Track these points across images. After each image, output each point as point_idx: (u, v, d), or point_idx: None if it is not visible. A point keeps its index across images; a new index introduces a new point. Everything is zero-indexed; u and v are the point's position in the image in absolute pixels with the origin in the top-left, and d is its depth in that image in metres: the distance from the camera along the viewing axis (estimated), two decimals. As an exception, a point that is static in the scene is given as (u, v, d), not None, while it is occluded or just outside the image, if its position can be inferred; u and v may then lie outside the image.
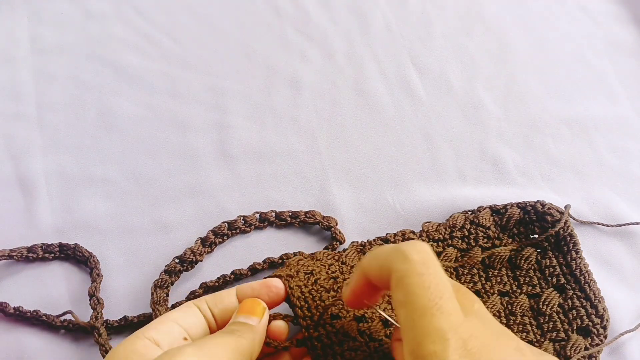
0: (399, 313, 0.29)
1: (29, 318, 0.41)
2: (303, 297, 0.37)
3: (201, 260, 0.44)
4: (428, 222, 0.45)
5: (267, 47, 0.57)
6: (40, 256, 0.44)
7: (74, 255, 0.44)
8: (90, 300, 0.41)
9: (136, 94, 0.53)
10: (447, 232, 0.44)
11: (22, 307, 0.41)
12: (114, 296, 0.43)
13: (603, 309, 0.41)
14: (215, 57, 0.56)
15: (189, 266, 0.43)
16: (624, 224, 0.47)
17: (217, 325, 0.35)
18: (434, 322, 0.28)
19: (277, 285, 0.37)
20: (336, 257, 0.42)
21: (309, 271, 0.39)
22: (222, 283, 0.43)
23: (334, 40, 0.58)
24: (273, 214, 0.46)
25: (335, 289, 0.39)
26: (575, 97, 0.55)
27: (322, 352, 0.36)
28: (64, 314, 0.41)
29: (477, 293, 0.42)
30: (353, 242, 0.44)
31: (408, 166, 0.50)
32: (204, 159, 0.50)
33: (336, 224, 0.46)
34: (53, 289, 0.43)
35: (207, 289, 0.43)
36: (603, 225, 0.47)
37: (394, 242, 0.44)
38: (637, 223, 0.47)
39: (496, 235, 0.44)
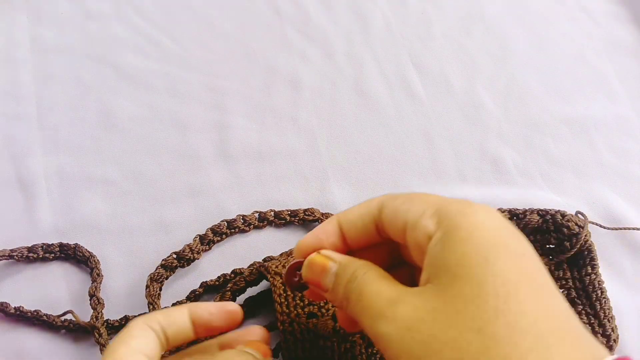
0: (402, 210, 0.27)
1: (29, 318, 0.41)
2: (284, 294, 0.38)
3: (199, 258, 0.44)
4: None
5: (267, 47, 0.57)
6: (40, 256, 0.44)
7: (74, 255, 0.44)
8: (90, 300, 0.41)
9: (136, 94, 0.53)
10: None
11: (22, 307, 0.41)
12: (114, 296, 0.43)
13: (612, 328, 0.40)
14: (215, 57, 0.56)
15: (185, 263, 0.43)
16: (626, 228, 0.47)
17: (168, 345, 0.31)
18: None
19: (234, 310, 0.33)
20: None
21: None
22: (223, 282, 0.43)
23: (334, 40, 0.58)
24: (272, 213, 0.46)
25: None
26: (575, 97, 0.55)
27: (292, 346, 0.37)
28: (64, 314, 0.41)
29: None
30: None
31: (408, 166, 0.50)
32: (204, 159, 0.50)
33: None
34: (53, 289, 0.43)
35: (208, 288, 0.43)
36: (602, 227, 0.46)
37: None
38: (637, 229, 0.47)
39: None
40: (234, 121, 0.52)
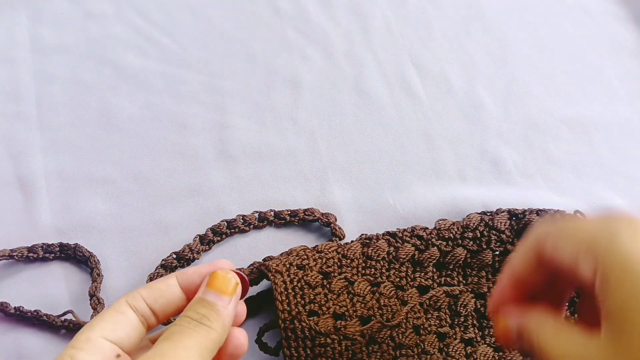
0: (559, 248, 0.25)
1: (29, 318, 0.41)
2: (285, 292, 0.39)
3: (199, 258, 0.44)
4: (443, 220, 0.45)
5: (267, 47, 0.57)
6: (40, 256, 0.44)
7: (74, 255, 0.44)
8: (90, 300, 0.41)
9: (136, 94, 0.53)
10: (459, 232, 0.44)
11: (22, 307, 0.41)
12: (114, 296, 0.43)
13: None
14: (215, 57, 0.56)
15: (185, 263, 0.43)
16: None
17: (158, 320, 0.30)
18: (592, 216, 0.24)
19: (225, 267, 0.32)
20: (339, 250, 0.42)
21: (302, 265, 0.40)
22: None
23: (334, 40, 0.58)
24: (272, 213, 0.47)
25: (324, 284, 0.40)
26: (576, 97, 0.55)
27: (294, 344, 0.38)
28: (64, 313, 0.41)
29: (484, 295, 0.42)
30: (362, 234, 0.44)
31: (408, 166, 0.50)
32: (204, 159, 0.50)
33: (335, 220, 0.46)
34: (53, 289, 0.43)
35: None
36: None
37: (402, 237, 0.43)
38: None
39: (510, 240, 0.43)
40: (234, 121, 0.52)
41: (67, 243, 0.44)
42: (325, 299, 0.39)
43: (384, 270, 0.42)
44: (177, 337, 0.27)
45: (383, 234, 0.44)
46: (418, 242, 0.43)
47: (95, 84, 0.54)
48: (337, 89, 0.55)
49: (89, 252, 0.44)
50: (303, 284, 0.40)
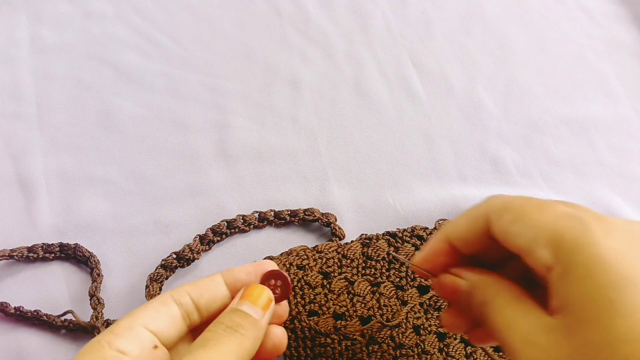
0: (513, 230, 0.25)
1: (29, 318, 0.41)
2: None
3: (199, 258, 0.44)
4: (443, 220, 0.45)
5: (267, 47, 0.57)
6: (40, 256, 0.44)
7: (74, 255, 0.44)
8: (90, 300, 0.41)
9: (136, 94, 0.53)
10: None
11: (22, 307, 0.41)
12: (114, 296, 0.43)
13: None
14: (215, 57, 0.56)
15: (185, 263, 0.43)
16: None
17: (202, 318, 0.31)
18: (560, 207, 0.24)
19: (270, 267, 0.32)
20: (339, 250, 0.42)
21: (302, 265, 0.40)
22: None
23: (334, 40, 0.58)
24: (272, 213, 0.46)
25: (324, 284, 0.40)
26: (575, 97, 0.55)
27: (294, 344, 0.38)
28: (64, 313, 0.41)
29: None
30: (362, 234, 0.44)
31: (408, 166, 0.50)
32: (204, 159, 0.50)
33: (335, 220, 0.46)
34: (53, 289, 0.43)
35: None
36: None
37: (402, 237, 0.44)
38: None
39: None
40: (234, 121, 0.52)
41: (67, 243, 0.44)
42: (325, 299, 0.40)
43: (384, 270, 0.42)
44: (211, 345, 0.27)
45: (383, 234, 0.44)
46: (418, 242, 0.43)
47: (95, 84, 0.54)
48: (337, 89, 0.55)
49: (89, 252, 0.44)
50: (303, 284, 0.40)
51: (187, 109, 0.53)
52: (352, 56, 0.57)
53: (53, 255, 0.44)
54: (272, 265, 0.32)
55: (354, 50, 0.57)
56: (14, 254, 0.43)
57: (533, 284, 0.27)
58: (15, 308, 0.41)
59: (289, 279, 0.32)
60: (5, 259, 0.43)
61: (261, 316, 0.29)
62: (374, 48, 0.58)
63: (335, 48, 0.57)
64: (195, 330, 0.31)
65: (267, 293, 0.30)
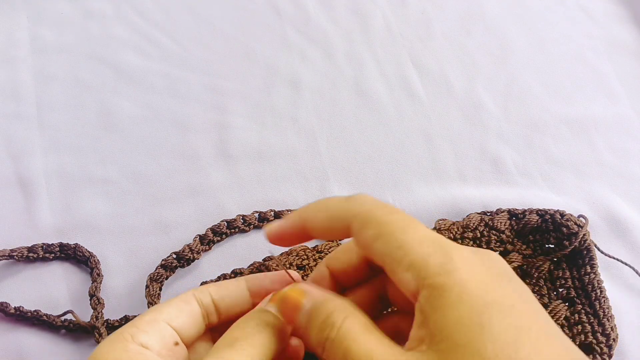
0: (375, 247, 0.25)
1: (29, 318, 0.41)
2: None
3: (199, 258, 0.44)
4: (443, 220, 0.45)
5: (267, 47, 0.57)
6: (40, 256, 0.44)
7: (74, 255, 0.44)
8: (90, 300, 0.41)
9: (136, 94, 0.53)
10: (459, 232, 0.43)
11: (22, 307, 0.41)
12: (114, 296, 0.43)
13: (611, 328, 0.40)
14: (215, 57, 0.56)
15: (185, 263, 0.43)
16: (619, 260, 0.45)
17: (220, 319, 0.31)
18: (421, 230, 0.25)
19: (296, 277, 0.32)
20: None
21: (302, 265, 0.40)
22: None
23: (334, 40, 0.58)
24: (272, 213, 0.47)
25: None
26: (575, 97, 0.55)
27: None
28: (64, 313, 0.41)
29: None
30: None
31: (408, 166, 0.50)
32: (204, 159, 0.50)
33: None
34: (53, 289, 0.43)
35: (207, 288, 0.43)
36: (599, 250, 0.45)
37: None
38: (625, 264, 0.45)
39: (510, 240, 0.43)
40: (234, 121, 0.52)
41: (67, 243, 0.44)
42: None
43: None
44: (240, 345, 0.26)
45: None
46: None
47: (95, 84, 0.54)
48: (337, 89, 0.55)
49: (89, 252, 0.44)
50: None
51: (187, 109, 0.53)
52: (352, 56, 0.57)
53: (53, 255, 0.44)
54: (298, 278, 0.32)
55: (354, 50, 0.57)
56: (14, 253, 0.43)
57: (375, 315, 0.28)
58: (15, 308, 0.41)
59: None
60: (5, 259, 0.43)
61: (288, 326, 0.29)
62: (374, 48, 0.58)
63: (335, 48, 0.57)
64: (212, 331, 0.31)
65: (297, 299, 0.29)
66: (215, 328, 0.31)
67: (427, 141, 0.52)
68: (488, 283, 0.24)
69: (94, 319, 0.40)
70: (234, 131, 0.51)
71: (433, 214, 0.47)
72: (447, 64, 0.57)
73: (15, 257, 0.43)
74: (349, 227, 0.27)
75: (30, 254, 0.43)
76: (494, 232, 0.43)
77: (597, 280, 0.42)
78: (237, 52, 0.57)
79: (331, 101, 0.54)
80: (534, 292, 0.42)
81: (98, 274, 0.43)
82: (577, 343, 0.40)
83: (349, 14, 0.60)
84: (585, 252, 0.42)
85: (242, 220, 0.46)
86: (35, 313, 0.41)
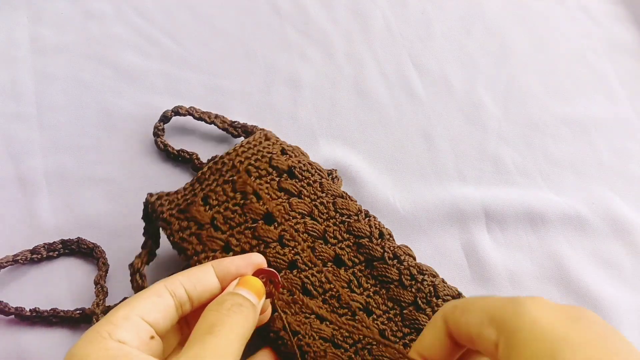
0: (463, 321, 0.27)
1: (47, 317, 0.41)
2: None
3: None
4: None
5: (267, 46, 0.57)
6: (45, 256, 0.44)
7: (78, 250, 0.44)
8: (95, 288, 0.42)
9: (136, 94, 0.53)
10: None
11: (38, 308, 0.41)
12: (115, 295, 0.43)
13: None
14: (215, 57, 0.56)
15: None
16: None
17: (192, 307, 0.31)
18: None
19: (260, 261, 0.34)
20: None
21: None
22: None
23: (334, 40, 0.58)
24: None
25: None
26: (575, 97, 0.55)
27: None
28: (76, 310, 0.41)
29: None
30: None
31: (408, 166, 0.50)
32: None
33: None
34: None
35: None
36: None
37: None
38: None
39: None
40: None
41: (69, 239, 0.44)
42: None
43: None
44: (218, 330, 0.28)
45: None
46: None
47: (95, 84, 0.54)
48: (337, 89, 0.55)
49: (92, 243, 0.44)
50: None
51: (187, 108, 0.53)
52: (352, 56, 0.57)
53: (57, 253, 0.44)
54: (262, 260, 0.34)
55: (354, 50, 0.57)
56: (18, 258, 0.43)
57: None
58: (30, 310, 0.41)
59: (279, 277, 0.34)
60: (11, 264, 0.43)
61: (257, 303, 0.31)
62: (374, 48, 0.58)
63: (335, 48, 0.57)
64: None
65: (261, 283, 0.32)
66: (189, 315, 0.32)
67: (427, 141, 0.52)
68: (562, 320, 0.25)
69: (95, 305, 0.41)
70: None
71: (433, 214, 0.47)
72: (447, 64, 0.57)
73: (19, 260, 0.43)
74: (445, 323, 0.29)
75: (34, 256, 0.43)
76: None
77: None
78: (237, 51, 0.57)
79: (331, 101, 0.54)
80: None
81: (104, 263, 0.43)
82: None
83: (349, 13, 0.60)
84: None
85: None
86: (52, 311, 0.41)
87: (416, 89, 0.55)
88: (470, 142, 0.52)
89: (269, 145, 0.43)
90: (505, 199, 0.48)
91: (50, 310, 0.41)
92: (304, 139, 0.51)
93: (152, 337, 0.29)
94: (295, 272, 0.39)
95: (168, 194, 0.41)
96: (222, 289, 0.32)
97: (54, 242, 0.44)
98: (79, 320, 0.41)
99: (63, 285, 0.44)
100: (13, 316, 0.41)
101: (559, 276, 0.45)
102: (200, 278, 0.32)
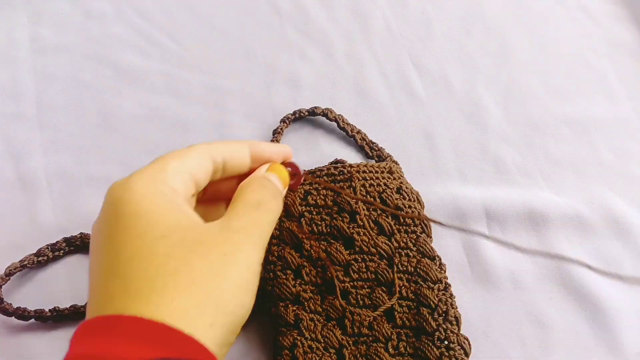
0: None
1: (68, 315, 0.41)
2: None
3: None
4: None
5: (267, 46, 0.57)
6: (51, 257, 0.44)
7: (82, 245, 0.44)
8: None
9: (136, 94, 0.53)
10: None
11: (58, 307, 0.41)
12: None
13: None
14: (215, 57, 0.56)
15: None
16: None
17: (224, 174, 0.34)
18: None
19: (289, 152, 0.37)
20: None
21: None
22: None
23: (334, 40, 0.58)
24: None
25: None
26: (576, 97, 0.55)
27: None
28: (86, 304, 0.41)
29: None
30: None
31: (408, 166, 0.50)
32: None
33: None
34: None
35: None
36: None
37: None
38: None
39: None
40: (234, 120, 0.52)
41: (72, 235, 0.44)
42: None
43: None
44: (264, 208, 0.31)
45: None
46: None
47: (95, 84, 0.54)
48: (337, 89, 0.55)
49: None
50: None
51: (187, 108, 0.53)
52: (352, 56, 0.57)
53: (62, 251, 0.44)
54: (291, 154, 0.37)
55: (354, 50, 0.57)
56: (25, 263, 0.43)
57: None
58: (50, 310, 0.41)
59: (301, 173, 0.37)
60: (19, 270, 0.43)
61: (283, 189, 0.34)
62: (374, 48, 0.58)
63: (335, 48, 0.57)
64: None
65: (287, 175, 0.36)
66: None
67: (427, 141, 0.52)
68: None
69: None
70: (234, 130, 0.51)
71: (434, 214, 0.47)
72: (447, 64, 0.57)
73: (27, 265, 0.43)
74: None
75: (40, 258, 0.43)
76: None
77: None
78: (237, 51, 0.57)
79: (331, 101, 0.54)
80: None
81: None
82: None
83: (349, 13, 0.60)
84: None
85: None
86: (72, 308, 0.41)
87: (416, 89, 0.55)
88: (471, 142, 0.52)
89: (389, 177, 0.43)
90: (505, 198, 0.48)
91: (70, 307, 0.41)
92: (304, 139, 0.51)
93: (193, 195, 0.31)
94: (344, 302, 0.39)
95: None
96: (251, 169, 0.35)
97: (57, 241, 0.44)
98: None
99: (73, 281, 0.44)
100: (33, 319, 0.41)
101: (559, 276, 0.45)
102: (236, 152, 0.33)
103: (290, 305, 0.38)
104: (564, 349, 0.42)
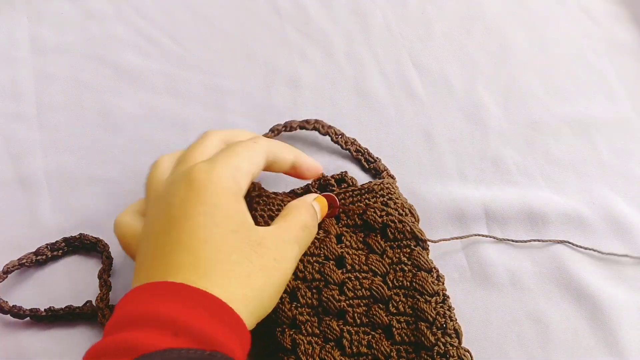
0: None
1: (63, 315, 0.41)
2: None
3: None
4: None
5: (267, 46, 0.57)
6: (49, 256, 0.44)
7: (82, 245, 0.44)
8: (99, 281, 0.42)
9: (136, 94, 0.53)
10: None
11: (53, 307, 0.41)
12: (116, 295, 0.43)
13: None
14: (215, 57, 0.56)
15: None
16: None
17: (267, 169, 0.39)
18: None
19: (321, 171, 0.43)
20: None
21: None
22: None
23: (334, 40, 0.58)
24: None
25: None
26: (576, 97, 0.55)
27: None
28: (85, 304, 0.41)
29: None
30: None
31: (408, 166, 0.50)
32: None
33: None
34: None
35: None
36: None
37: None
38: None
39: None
40: (234, 120, 0.52)
41: (72, 236, 0.44)
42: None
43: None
44: (309, 230, 0.37)
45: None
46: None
47: (95, 84, 0.54)
48: (337, 89, 0.55)
49: (95, 237, 0.44)
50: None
51: (187, 108, 0.53)
52: (352, 56, 0.57)
53: (61, 251, 0.44)
54: (321, 174, 0.43)
55: (354, 50, 0.57)
56: (24, 261, 0.43)
57: None
58: (45, 310, 0.41)
59: (338, 205, 0.41)
60: (17, 269, 0.43)
61: (320, 218, 0.39)
62: (374, 48, 0.58)
63: (335, 48, 0.57)
64: None
65: (327, 205, 0.41)
66: None
67: (427, 141, 0.52)
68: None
69: (98, 300, 0.41)
70: (234, 131, 0.51)
71: (433, 214, 0.47)
72: (447, 64, 0.57)
73: (25, 264, 0.43)
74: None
75: (39, 257, 0.43)
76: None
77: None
78: (237, 51, 0.57)
79: (331, 101, 0.54)
80: None
81: (107, 257, 0.43)
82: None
83: (349, 13, 0.60)
84: None
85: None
86: (67, 309, 0.41)
87: (416, 89, 0.55)
88: (471, 142, 0.52)
89: (372, 198, 0.43)
90: (505, 198, 0.48)
91: (65, 307, 0.41)
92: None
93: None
94: (340, 322, 0.38)
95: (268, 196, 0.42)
96: (288, 173, 0.41)
97: (57, 241, 0.44)
98: (88, 317, 0.41)
99: (67, 283, 0.43)
100: (28, 318, 0.41)
101: (560, 276, 0.45)
102: (284, 158, 0.39)
103: (287, 330, 0.37)
104: (563, 348, 0.42)
